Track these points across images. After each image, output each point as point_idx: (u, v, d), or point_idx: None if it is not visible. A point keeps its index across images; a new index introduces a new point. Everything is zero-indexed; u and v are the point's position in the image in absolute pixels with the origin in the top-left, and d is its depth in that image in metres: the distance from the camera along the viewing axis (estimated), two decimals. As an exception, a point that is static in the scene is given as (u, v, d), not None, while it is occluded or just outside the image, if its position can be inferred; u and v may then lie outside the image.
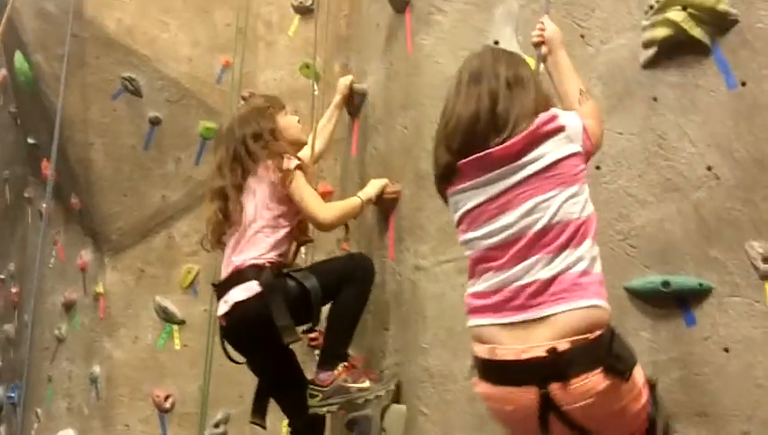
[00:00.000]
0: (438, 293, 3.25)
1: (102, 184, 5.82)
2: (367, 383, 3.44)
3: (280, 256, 3.48)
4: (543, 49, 2.77)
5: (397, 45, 3.54)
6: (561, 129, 2.37)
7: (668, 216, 2.79)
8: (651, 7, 2.90)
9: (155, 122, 5.82)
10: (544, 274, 2.28)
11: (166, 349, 5.77)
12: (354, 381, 3.43)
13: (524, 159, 2.34)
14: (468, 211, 2.44)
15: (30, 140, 6.59)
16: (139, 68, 5.80)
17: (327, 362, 3.49)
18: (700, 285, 2.69)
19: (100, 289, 5.83)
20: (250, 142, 3.49)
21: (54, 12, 5.76)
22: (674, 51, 2.86)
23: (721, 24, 2.78)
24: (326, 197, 4.47)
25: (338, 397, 3.41)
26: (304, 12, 5.78)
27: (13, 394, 7.04)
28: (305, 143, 3.75)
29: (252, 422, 3.79)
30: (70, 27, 5.59)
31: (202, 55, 5.90)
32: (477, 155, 2.38)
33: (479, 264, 2.43)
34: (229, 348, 3.60)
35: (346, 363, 3.50)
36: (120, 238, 5.84)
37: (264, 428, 3.80)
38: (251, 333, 3.42)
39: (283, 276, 3.40)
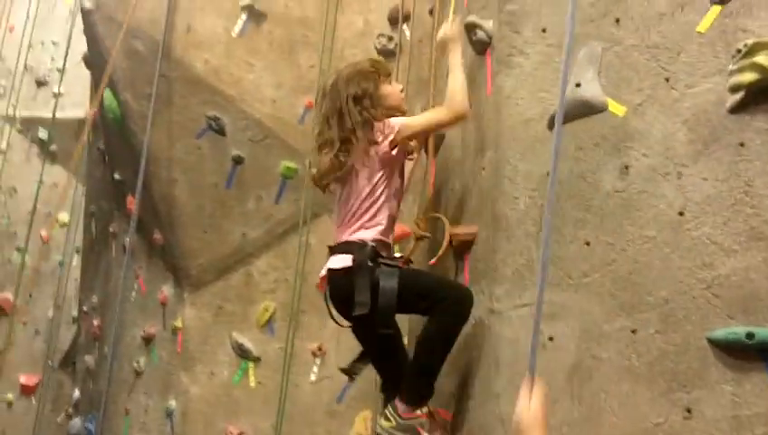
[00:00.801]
0: (513, 337, 3.20)
1: (184, 220, 5.95)
2: None
3: (382, 233, 3.51)
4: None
5: (476, 87, 3.54)
6: None
7: (753, 265, 2.69)
8: (739, 51, 2.83)
9: (238, 161, 5.93)
10: None
11: (241, 386, 5.81)
12: (429, 432, 3.40)
13: None
14: None
15: (116, 176, 6.78)
16: (224, 108, 5.94)
17: (412, 397, 3.43)
18: (785, 337, 2.59)
19: (178, 324, 5.92)
20: (351, 103, 3.52)
21: (143, 52, 5.96)
22: (761, 96, 2.77)
23: (809, 69, 2.70)
24: (402, 238, 4.46)
25: None
26: (387, 54, 5.82)
27: (90, 425, 7.16)
28: (404, 112, 3.74)
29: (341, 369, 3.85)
30: (158, 67, 5.75)
31: (286, 96, 6.02)
32: None
33: None
34: (333, 310, 3.63)
35: (430, 409, 3.45)
36: (200, 274, 5.94)
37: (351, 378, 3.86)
38: (341, 300, 3.51)
39: (377, 261, 3.42)
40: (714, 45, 2.92)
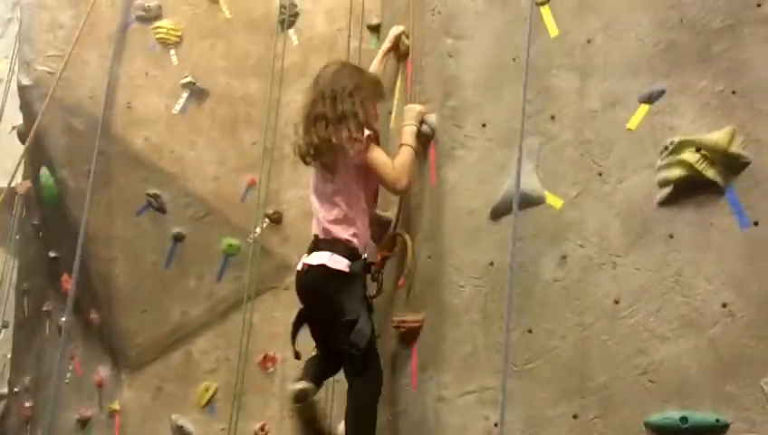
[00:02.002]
0: (460, 425, 3.29)
1: (123, 299, 5.88)
2: None
3: (366, 239, 3.71)
4: None
5: (421, 177, 3.68)
6: None
7: (686, 351, 2.84)
8: (666, 148, 3.02)
9: (178, 239, 5.92)
10: None
11: (181, 469, 5.72)
12: None
13: None
14: None
15: (51, 254, 6.67)
16: (165, 185, 5.93)
17: None
18: (717, 420, 2.72)
19: (115, 406, 5.80)
20: (346, 92, 3.68)
21: (82, 129, 5.92)
22: (689, 190, 2.96)
23: (733, 165, 2.90)
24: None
25: None
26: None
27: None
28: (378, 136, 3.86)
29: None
30: (97, 144, 5.74)
31: (228, 174, 6.03)
32: None
33: None
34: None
35: None
36: (139, 355, 5.85)
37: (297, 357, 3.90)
38: (315, 294, 3.65)
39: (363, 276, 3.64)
40: (643, 142, 3.12)
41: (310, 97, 3.83)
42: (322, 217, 3.70)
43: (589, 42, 3.29)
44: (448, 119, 3.47)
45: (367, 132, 3.62)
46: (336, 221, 3.65)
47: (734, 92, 2.98)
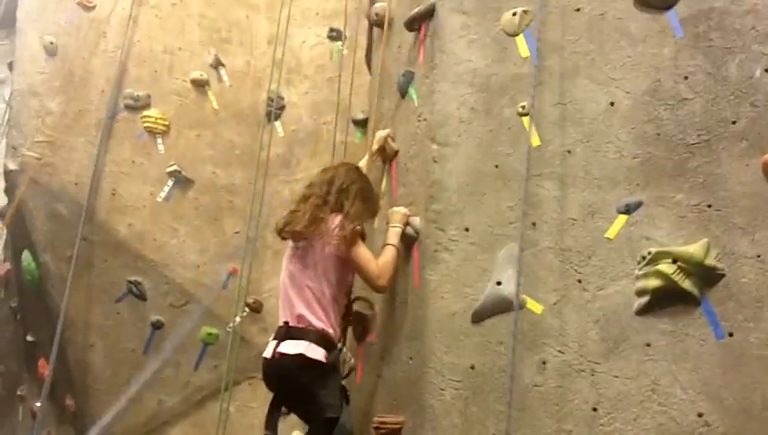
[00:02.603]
0: None
1: (99, 386, 5.88)
2: None
3: (334, 332, 3.67)
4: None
5: (404, 278, 3.73)
6: None
7: (663, 460, 2.89)
8: (644, 258, 3.11)
9: (157, 326, 5.93)
10: None
11: None
12: None
13: None
14: None
15: (29, 338, 6.65)
16: (146, 272, 5.99)
17: None
18: None
19: (87, 494, 5.75)
20: (335, 187, 3.78)
21: (66, 215, 6.01)
22: (665, 300, 3.05)
23: (708, 277, 3.00)
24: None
25: None
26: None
27: None
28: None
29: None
30: (80, 230, 5.79)
31: (209, 262, 6.11)
32: None
33: None
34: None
35: None
36: (114, 443, 5.83)
37: None
38: (290, 383, 3.59)
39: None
40: (621, 251, 3.20)
41: (310, 181, 3.96)
42: (295, 303, 3.66)
43: (569, 152, 3.40)
44: (432, 222, 3.54)
45: (357, 227, 3.69)
46: (310, 309, 3.63)
47: (709, 206, 3.10)
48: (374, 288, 3.77)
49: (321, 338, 3.57)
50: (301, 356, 3.54)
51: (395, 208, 3.81)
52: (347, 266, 3.72)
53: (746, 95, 3.18)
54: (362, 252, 3.69)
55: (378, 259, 3.70)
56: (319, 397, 3.53)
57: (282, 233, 3.83)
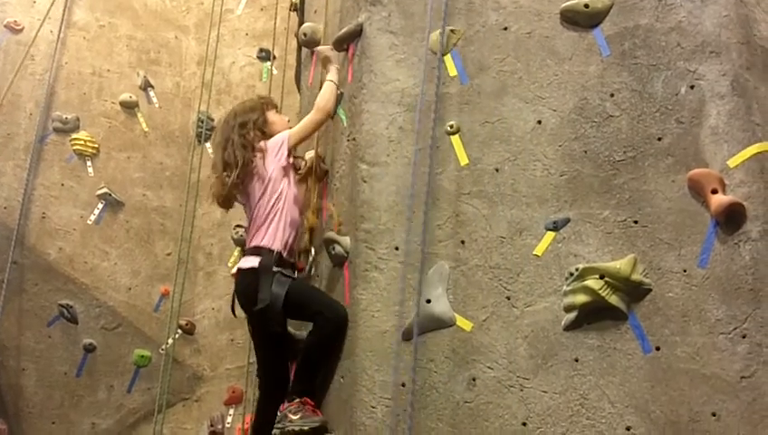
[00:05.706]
0: None
1: (32, 411, 5.78)
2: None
3: (286, 238, 3.88)
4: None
5: (336, 297, 3.72)
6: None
7: (592, 474, 2.92)
8: (571, 274, 3.15)
9: (89, 349, 5.85)
10: None
11: None
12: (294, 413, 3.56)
13: None
14: None
15: (-42, 365, 6.50)
16: (77, 295, 5.91)
17: (295, 390, 3.65)
18: None
19: None
20: (236, 131, 4.02)
21: (-5, 239, 5.88)
22: (593, 315, 3.09)
23: (635, 292, 3.06)
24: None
25: (280, 424, 3.57)
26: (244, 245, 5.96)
27: None
28: None
29: None
30: (11, 254, 5.69)
31: (141, 284, 6.06)
32: None
33: None
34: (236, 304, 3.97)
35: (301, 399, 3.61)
36: (47, 467, 5.72)
37: None
38: (245, 295, 3.85)
39: (278, 268, 3.77)
40: (549, 268, 3.24)
41: (215, 156, 4.20)
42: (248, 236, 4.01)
43: (497, 170, 3.43)
44: (362, 241, 3.53)
45: (280, 136, 4.00)
46: (254, 231, 3.91)
47: (636, 222, 3.17)
48: (324, 119, 4.03)
49: (256, 250, 3.85)
50: (239, 270, 3.88)
51: (320, 48, 4.23)
52: (289, 172, 3.97)
53: (672, 112, 3.26)
54: (298, 126, 4.05)
55: (316, 99, 4.03)
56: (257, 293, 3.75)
57: (223, 205, 4.13)
